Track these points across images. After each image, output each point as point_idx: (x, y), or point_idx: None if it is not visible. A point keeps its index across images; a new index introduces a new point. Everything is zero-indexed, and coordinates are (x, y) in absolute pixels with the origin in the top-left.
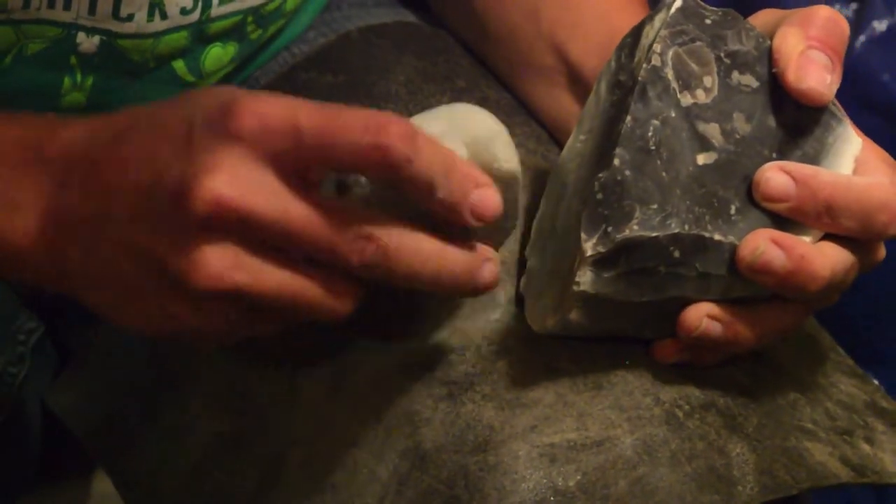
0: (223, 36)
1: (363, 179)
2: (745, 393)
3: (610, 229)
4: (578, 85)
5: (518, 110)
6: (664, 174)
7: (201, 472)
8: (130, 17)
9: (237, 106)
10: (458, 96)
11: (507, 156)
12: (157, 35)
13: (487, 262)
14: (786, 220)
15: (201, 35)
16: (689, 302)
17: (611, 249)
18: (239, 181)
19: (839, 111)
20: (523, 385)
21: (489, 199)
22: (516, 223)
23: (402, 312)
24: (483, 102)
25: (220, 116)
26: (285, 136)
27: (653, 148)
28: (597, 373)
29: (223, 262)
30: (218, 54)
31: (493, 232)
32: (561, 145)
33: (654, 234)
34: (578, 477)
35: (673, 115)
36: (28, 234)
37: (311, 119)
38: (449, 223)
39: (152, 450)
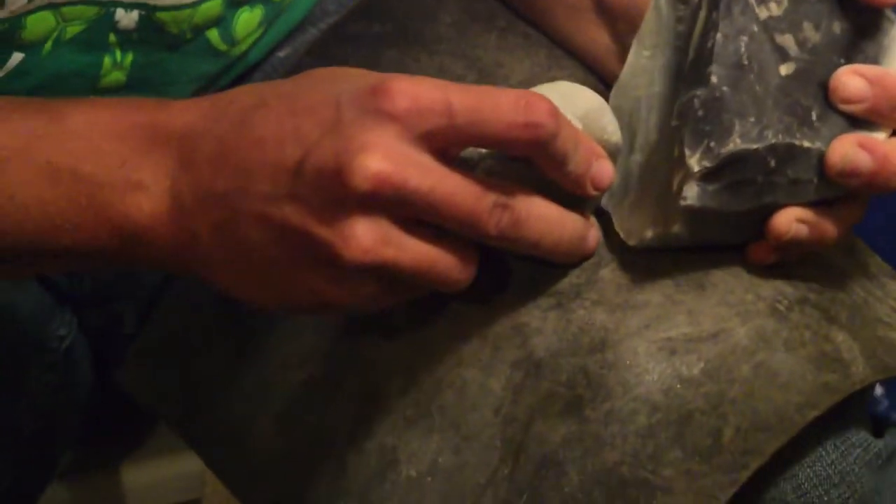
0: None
1: (479, 152)
2: (826, 291)
3: (713, 144)
4: (606, 15)
5: (557, 46)
6: (757, 87)
7: (290, 420)
8: None
9: (389, 86)
10: (503, 35)
11: (613, 128)
12: (195, 4)
13: (593, 227)
14: (859, 121)
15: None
16: (777, 207)
17: (716, 164)
18: (395, 157)
19: (891, 14)
20: (629, 289)
21: (606, 170)
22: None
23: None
24: (526, 38)
25: (372, 96)
26: (438, 116)
27: (745, 63)
28: (697, 273)
29: (374, 237)
30: (247, 19)
31: (592, 199)
32: (599, 78)
33: (755, 146)
34: (701, 365)
35: (755, 29)
36: (154, 215)
37: (463, 100)
38: (565, 193)
39: (234, 409)
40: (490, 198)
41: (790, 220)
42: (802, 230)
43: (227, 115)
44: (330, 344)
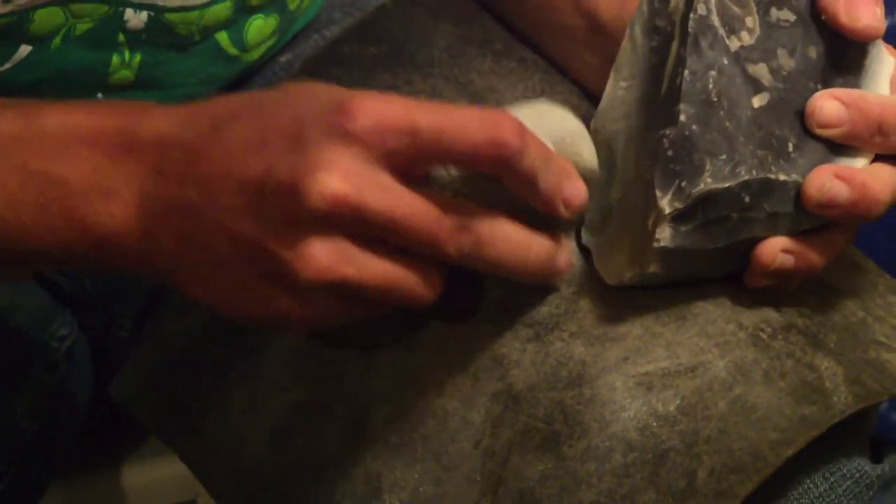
0: (265, 7)
1: (449, 172)
2: (817, 314)
3: (684, 184)
4: (598, 36)
5: (554, 70)
6: (728, 123)
7: (281, 441)
8: None
9: (353, 104)
10: (497, 59)
11: (590, 154)
12: (203, 7)
13: (563, 249)
14: (839, 148)
15: (244, 5)
16: (759, 240)
17: (688, 205)
18: (354, 178)
19: None
20: (609, 321)
21: (579, 190)
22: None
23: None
24: (521, 63)
25: (336, 114)
26: (402, 135)
27: (714, 99)
28: (678, 305)
29: (332, 256)
30: (260, 26)
31: (568, 221)
32: (595, 101)
33: (727, 185)
34: (678, 401)
35: (726, 62)
36: (123, 221)
37: (428, 118)
38: (539, 213)
39: (226, 427)
40: (451, 219)
41: (775, 250)
42: (787, 260)
43: (200, 124)
44: (317, 368)
